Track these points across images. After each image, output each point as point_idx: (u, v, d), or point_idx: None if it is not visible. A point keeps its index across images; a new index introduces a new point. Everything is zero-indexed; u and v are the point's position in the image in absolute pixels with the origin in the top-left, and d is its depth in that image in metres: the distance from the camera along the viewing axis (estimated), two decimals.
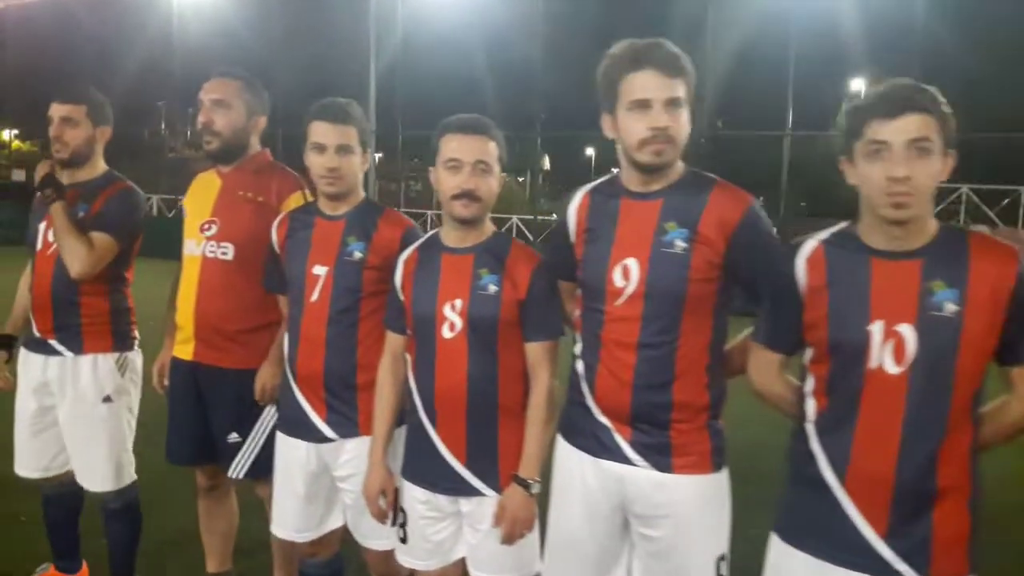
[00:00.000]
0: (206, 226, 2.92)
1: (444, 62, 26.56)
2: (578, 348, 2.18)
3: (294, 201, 2.91)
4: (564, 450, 2.20)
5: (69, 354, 3.06)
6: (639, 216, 2.04)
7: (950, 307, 1.66)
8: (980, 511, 1.76)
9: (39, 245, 3.09)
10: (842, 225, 1.85)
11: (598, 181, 2.23)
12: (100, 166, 3.16)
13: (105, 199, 3.04)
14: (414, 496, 2.36)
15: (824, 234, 1.85)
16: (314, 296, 2.51)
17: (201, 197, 3.01)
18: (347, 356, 2.50)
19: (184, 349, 2.96)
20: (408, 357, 2.39)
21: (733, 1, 18.99)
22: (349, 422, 2.52)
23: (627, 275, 2.02)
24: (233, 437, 2.93)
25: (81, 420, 3.08)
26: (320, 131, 2.47)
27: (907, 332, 1.69)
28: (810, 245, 1.84)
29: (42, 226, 3.09)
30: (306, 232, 2.58)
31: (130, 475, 3.19)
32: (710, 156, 16.64)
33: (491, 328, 2.23)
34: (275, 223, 2.69)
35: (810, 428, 1.84)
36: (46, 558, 3.40)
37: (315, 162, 2.49)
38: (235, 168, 2.98)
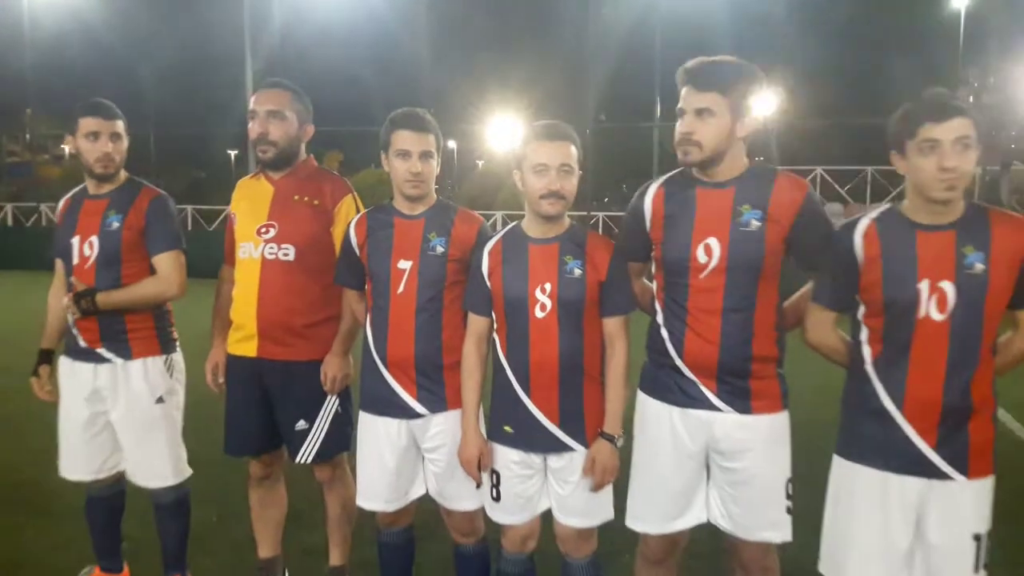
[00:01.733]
0: (264, 229, 3.10)
1: (325, 59, 26.18)
2: (660, 318, 2.57)
3: (347, 203, 3.14)
4: (651, 405, 2.59)
5: (119, 360, 3.15)
6: (715, 202, 2.46)
7: (979, 266, 2.18)
8: (998, 423, 2.31)
9: (75, 260, 3.13)
10: (886, 206, 2.34)
11: (670, 174, 2.63)
12: (123, 175, 3.26)
13: (144, 214, 3.15)
14: (508, 458, 2.68)
15: (874, 213, 2.33)
16: (400, 288, 2.77)
17: (253, 202, 3.18)
18: (434, 340, 2.78)
19: (246, 347, 3.12)
20: (497, 337, 2.70)
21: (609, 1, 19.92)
22: (437, 398, 2.80)
23: (709, 252, 2.43)
24: (301, 425, 3.13)
25: (138, 422, 3.18)
26: (404, 139, 2.74)
27: (948, 287, 2.19)
28: (864, 223, 2.31)
29: (75, 240, 3.15)
30: (387, 231, 2.83)
31: (186, 470, 3.33)
32: (595, 147, 17.50)
33: (578, 307, 2.58)
34: (353, 223, 2.92)
35: (869, 369, 2.31)
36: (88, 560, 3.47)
37: (399, 167, 2.75)
38: (287, 174, 3.17)
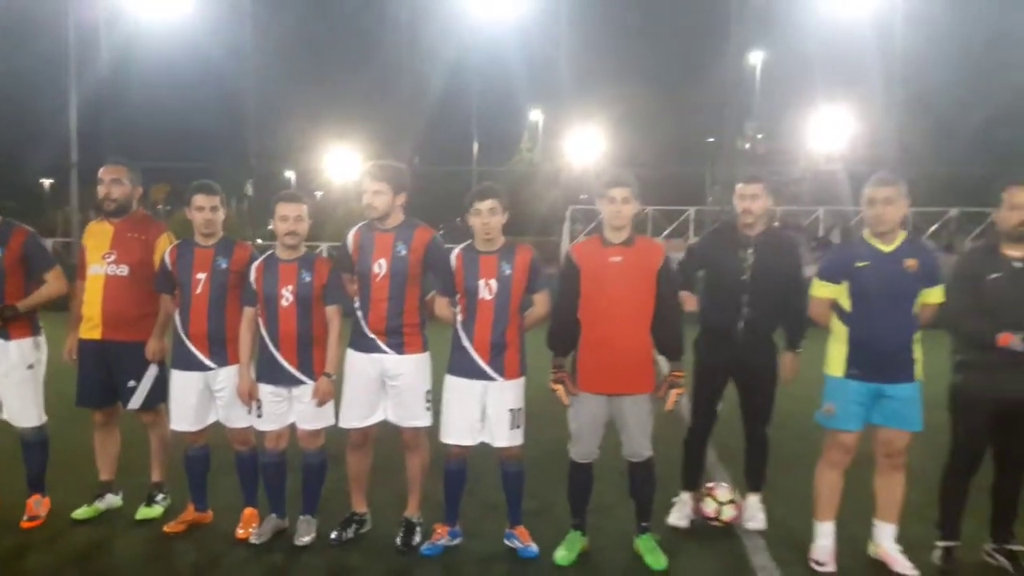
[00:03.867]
0: (107, 255, 4.77)
1: (154, 97, 26.70)
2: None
3: (163, 239, 4.85)
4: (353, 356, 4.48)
5: (1, 340, 4.70)
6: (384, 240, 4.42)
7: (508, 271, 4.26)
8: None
9: None
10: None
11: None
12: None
13: (21, 246, 4.71)
14: (267, 390, 4.49)
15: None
16: (198, 290, 4.51)
17: (98, 238, 4.84)
18: (221, 321, 4.54)
19: (94, 332, 4.77)
20: (259, 319, 4.50)
21: (426, 51, 22.05)
22: (223, 357, 4.57)
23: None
24: (131, 384, 4.80)
25: (14, 381, 4.74)
26: (198, 199, 4.53)
27: (492, 283, 4.26)
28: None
29: None
30: (190, 256, 4.57)
31: (44, 416, 4.89)
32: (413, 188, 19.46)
33: (310, 300, 4.43)
34: (167, 252, 4.64)
35: (459, 326, 4.35)
36: None
37: (197, 216, 4.55)
38: (123, 220, 4.85)
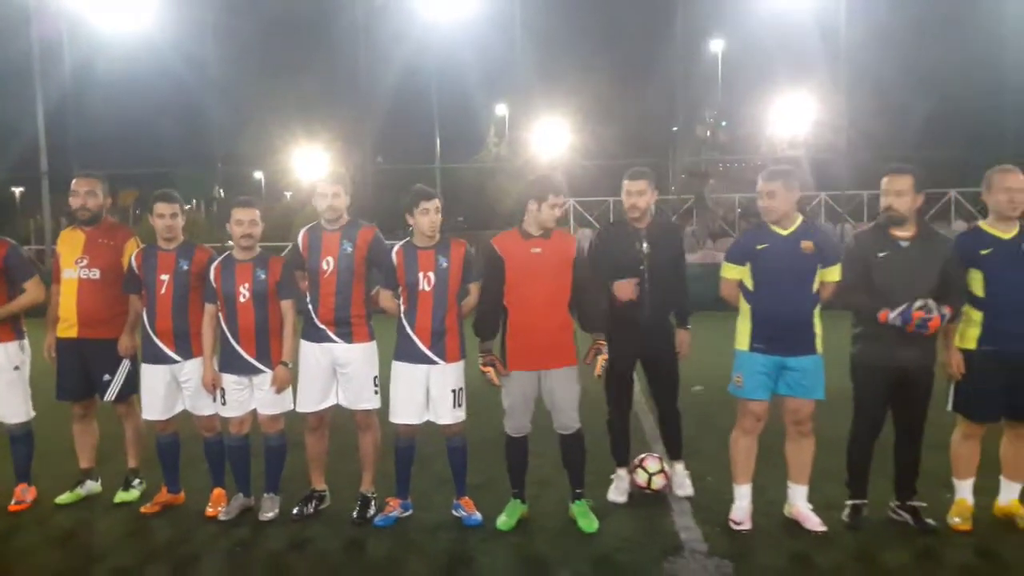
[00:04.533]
0: (80, 260, 5.16)
1: (121, 103, 26.81)
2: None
3: (130, 244, 5.25)
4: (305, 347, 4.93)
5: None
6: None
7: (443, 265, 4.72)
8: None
9: None
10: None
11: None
12: None
13: (3, 259, 5.11)
14: (230, 379, 4.92)
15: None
16: (163, 291, 4.92)
17: (71, 245, 5.23)
18: (184, 319, 4.95)
19: (70, 332, 5.16)
20: (220, 314, 4.92)
21: (385, 50, 22.32)
22: (187, 351, 4.99)
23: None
24: (107, 377, 5.20)
25: (3, 381, 5.14)
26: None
27: (431, 275, 4.72)
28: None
29: None
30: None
31: (32, 412, 5.28)
32: (376, 186, 19.89)
33: (265, 295, 4.86)
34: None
35: (403, 316, 4.80)
36: None
37: (158, 223, 4.95)
38: (95, 228, 5.24)
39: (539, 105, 29.78)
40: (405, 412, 4.86)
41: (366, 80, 20.26)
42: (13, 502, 5.18)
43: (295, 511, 5.01)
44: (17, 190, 41.52)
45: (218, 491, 5.16)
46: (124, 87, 25.25)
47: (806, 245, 4.64)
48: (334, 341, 4.89)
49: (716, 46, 38.26)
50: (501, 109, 40.85)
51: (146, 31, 19.66)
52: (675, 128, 24.53)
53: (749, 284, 4.80)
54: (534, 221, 4.77)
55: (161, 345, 4.98)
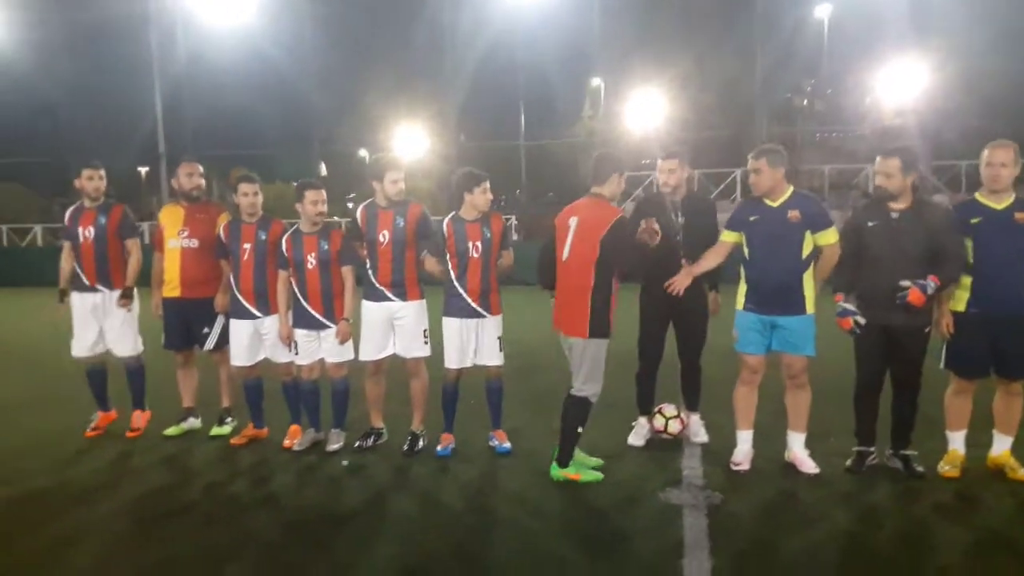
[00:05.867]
0: (181, 231, 6.16)
1: (228, 88, 28.79)
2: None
3: (222, 217, 6.21)
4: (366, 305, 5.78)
5: (106, 290, 6.16)
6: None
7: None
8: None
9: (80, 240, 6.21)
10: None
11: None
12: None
13: (119, 218, 6.21)
14: (301, 332, 5.83)
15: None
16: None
17: (173, 218, 6.24)
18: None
19: (174, 292, 6.18)
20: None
21: (468, 32, 23.11)
22: (268, 308, 5.93)
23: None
24: (206, 330, 6.22)
25: (118, 321, 6.24)
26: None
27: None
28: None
29: (80, 230, 6.18)
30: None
31: (140, 347, 6.40)
32: (461, 163, 20.74)
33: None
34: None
35: (453, 278, 5.57)
36: None
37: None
38: (193, 203, 6.23)
39: (634, 77, 29.90)
40: (457, 359, 5.65)
41: (461, 59, 21.12)
42: (131, 428, 6.30)
43: (357, 444, 5.89)
44: (143, 170, 44.70)
45: (294, 427, 6.10)
46: (234, 76, 27.06)
47: (793, 215, 5.10)
48: (391, 300, 5.72)
49: (823, 11, 37.13)
50: (596, 81, 40.99)
51: (251, 23, 21.10)
52: (778, 97, 24.10)
53: (745, 251, 5.31)
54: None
55: (245, 303, 5.93)
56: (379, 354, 5.81)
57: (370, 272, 5.76)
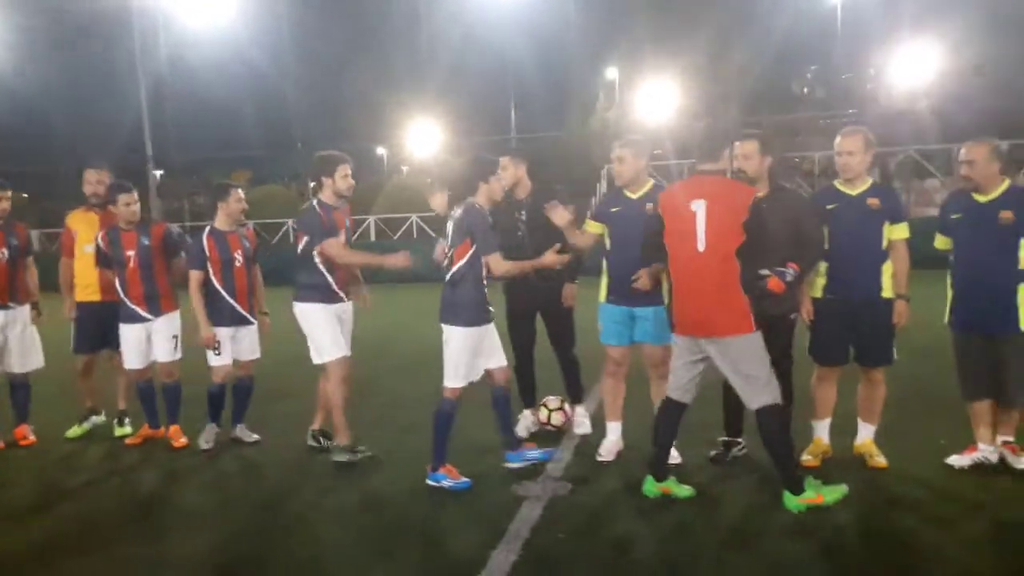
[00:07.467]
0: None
1: (208, 92, 29.28)
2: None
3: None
4: None
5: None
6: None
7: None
8: None
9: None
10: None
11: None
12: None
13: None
14: (224, 333, 5.98)
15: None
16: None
17: (87, 223, 6.38)
18: (156, 283, 6.06)
19: (92, 296, 6.36)
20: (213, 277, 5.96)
21: (448, 23, 23.09)
22: (158, 308, 6.11)
23: None
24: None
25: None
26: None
27: None
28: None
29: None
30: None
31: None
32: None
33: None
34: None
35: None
36: None
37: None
38: (104, 211, 6.32)
39: (647, 68, 29.73)
40: (473, 372, 5.11)
41: (446, 58, 21.19)
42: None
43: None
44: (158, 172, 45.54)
45: (175, 427, 6.26)
46: (214, 79, 27.37)
47: (648, 207, 5.02)
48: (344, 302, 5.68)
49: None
50: (611, 73, 40.82)
51: (235, 27, 21.30)
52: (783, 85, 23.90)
53: (607, 243, 5.34)
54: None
55: (135, 307, 6.09)
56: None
57: (328, 277, 5.58)
